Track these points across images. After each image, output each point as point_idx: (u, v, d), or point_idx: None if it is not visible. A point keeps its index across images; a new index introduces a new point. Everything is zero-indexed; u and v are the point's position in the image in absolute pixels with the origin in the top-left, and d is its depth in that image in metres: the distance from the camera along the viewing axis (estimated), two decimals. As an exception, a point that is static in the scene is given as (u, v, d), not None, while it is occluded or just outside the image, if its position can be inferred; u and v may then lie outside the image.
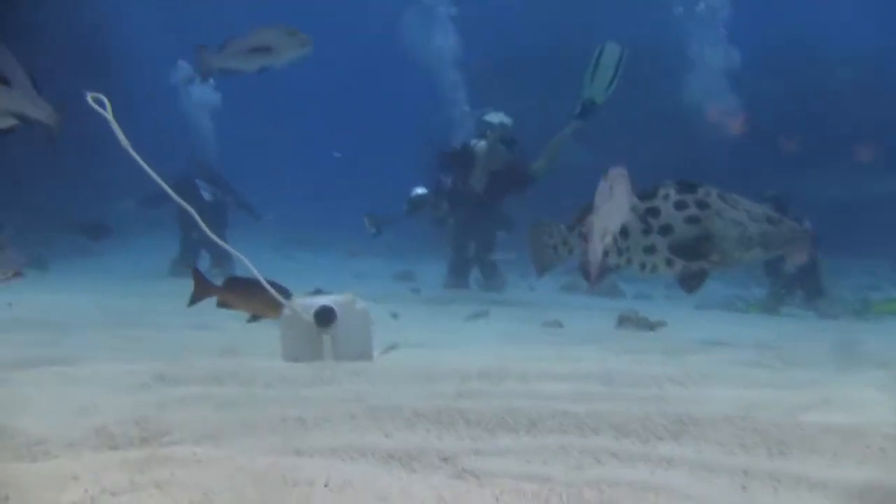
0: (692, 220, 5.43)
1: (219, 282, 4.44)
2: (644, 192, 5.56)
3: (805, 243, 5.65)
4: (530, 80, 17.22)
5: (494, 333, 5.85)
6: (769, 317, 8.51)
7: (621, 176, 4.00)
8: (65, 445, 2.56)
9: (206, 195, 11.10)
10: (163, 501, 2.08)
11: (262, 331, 4.44)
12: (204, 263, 10.79)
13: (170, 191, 4.03)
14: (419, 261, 14.52)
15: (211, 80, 11.03)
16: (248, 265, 4.04)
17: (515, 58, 18.73)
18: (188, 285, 4.41)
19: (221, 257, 10.64)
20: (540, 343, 5.42)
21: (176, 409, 3.07)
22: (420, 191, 9.95)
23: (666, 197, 5.51)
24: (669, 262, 5.56)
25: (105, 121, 3.60)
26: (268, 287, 4.13)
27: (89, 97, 3.58)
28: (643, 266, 5.66)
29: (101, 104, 3.60)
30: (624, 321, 6.40)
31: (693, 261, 5.49)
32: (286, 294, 4.24)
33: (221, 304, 4.40)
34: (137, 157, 3.74)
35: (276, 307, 4.19)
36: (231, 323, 4.81)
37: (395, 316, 6.60)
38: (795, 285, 9.03)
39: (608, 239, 4.21)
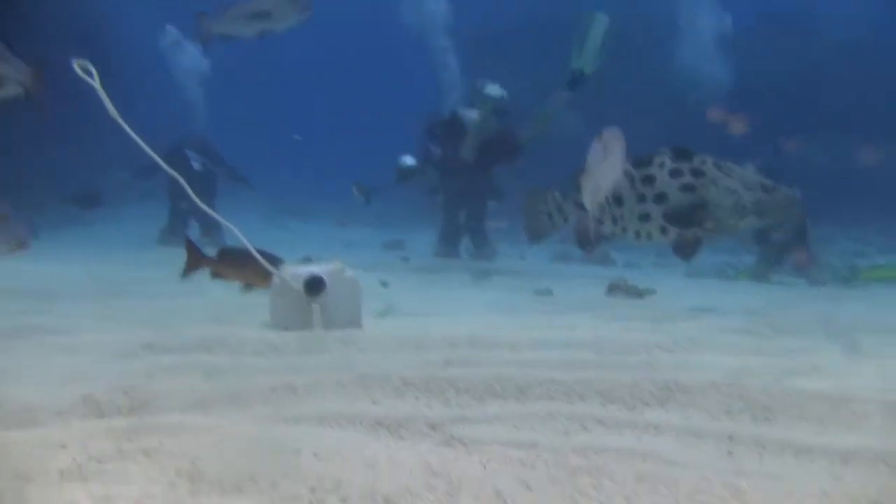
0: (687, 188, 5.44)
1: (209, 252, 4.43)
2: (639, 160, 5.56)
3: (799, 211, 5.65)
4: (521, 52, 17.10)
5: (485, 302, 5.85)
6: (759, 284, 8.53)
7: (616, 137, 3.99)
8: (53, 413, 2.57)
9: (196, 165, 11.03)
10: (150, 469, 2.09)
11: (253, 299, 4.43)
12: (193, 233, 10.74)
13: (158, 159, 4.00)
14: (409, 230, 14.49)
15: (200, 47, 10.96)
16: (238, 234, 4.03)
17: (506, 28, 18.59)
18: (177, 254, 4.39)
19: (211, 227, 10.59)
20: (530, 311, 5.43)
21: (164, 377, 3.07)
22: (409, 160, 9.91)
23: (661, 165, 5.51)
24: (664, 230, 5.57)
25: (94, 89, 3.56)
26: (258, 256, 4.12)
27: (76, 64, 3.54)
28: (638, 234, 5.67)
29: (89, 73, 3.56)
30: (613, 289, 6.40)
31: (688, 229, 5.50)
32: (279, 263, 4.23)
33: (215, 275, 4.38)
34: (125, 126, 3.71)
35: (269, 277, 4.19)
36: (221, 291, 4.80)
37: (384, 284, 6.59)
38: (784, 253, 9.04)
39: (601, 197, 4.22)
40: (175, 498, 1.93)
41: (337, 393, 2.88)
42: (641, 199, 5.57)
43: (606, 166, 4.04)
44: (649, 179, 5.53)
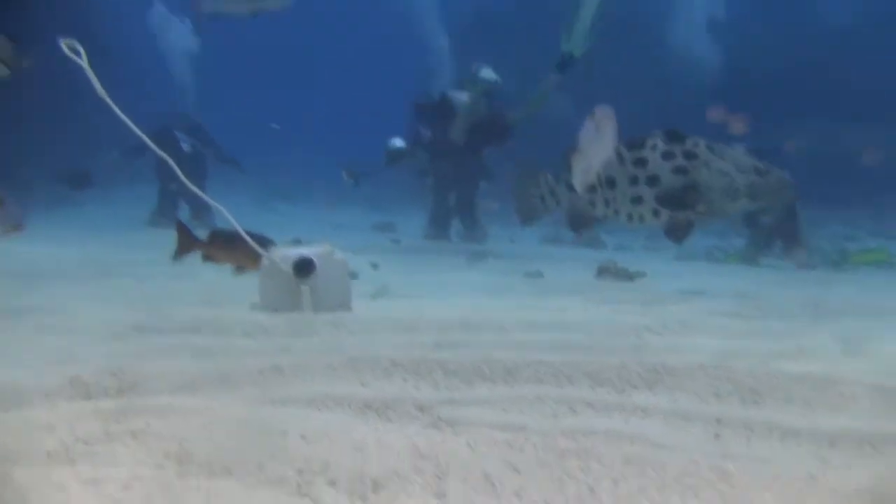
0: (680, 171, 5.44)
1: (200, 234, 4.41)
2: (632, 143, 5.55)
3: (792, 194, 5.65)
4: (510, 34, 17.04)
5: (475, 284, 5.85)
6: (748, 267, 8.55)
7: (608, 116, 3.99)
8: (41, 395, 2.56)
9: (185, 146, 10.99)
10: (138, 451, 2.08)
11: (242, 281, 4.42)
12: (183, 215, 10.70)
13: (147, 140, 3.96)
14: (399, 212, 14.47)
15: (189, 25, 10.91)
16: (228, 216, 4.01)
17: (495, 11, 18.55)
18: (167, 235, 4.38)
19: (200, 209, 10.55)
20: (520, 293, 5.43)
21: (153, 358, 3.06)
22: (398, 142, 9.88)
23: (654, 147, 5.51)
24: (656, 213, 5.58)
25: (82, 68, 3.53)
26: (247, 239, 4.10)
27: (63, 44, 3.50)
28: (630, 217, 5.68)
29: (77, 52, 3.53)
30: (603, 272, 6.41)
31: (680, 211, 5.51)
32: (270, 245, 4.22)
33: (207, 258, 4.37)
34: (114, 106, 3.68)
35: (260, 259, 4.18)
36: (212, 274, 4.79)
37: (375, 266, 6.59)
38: (774, 236, 9.06)
39: (592, 177, 4.21)
40: (163, 480, 1.92)
41: (326, 375, 2.88)
42: (634, 181, 5.57)
43: (598, 145, 4.04)
44: (641, 162, 5.52)
